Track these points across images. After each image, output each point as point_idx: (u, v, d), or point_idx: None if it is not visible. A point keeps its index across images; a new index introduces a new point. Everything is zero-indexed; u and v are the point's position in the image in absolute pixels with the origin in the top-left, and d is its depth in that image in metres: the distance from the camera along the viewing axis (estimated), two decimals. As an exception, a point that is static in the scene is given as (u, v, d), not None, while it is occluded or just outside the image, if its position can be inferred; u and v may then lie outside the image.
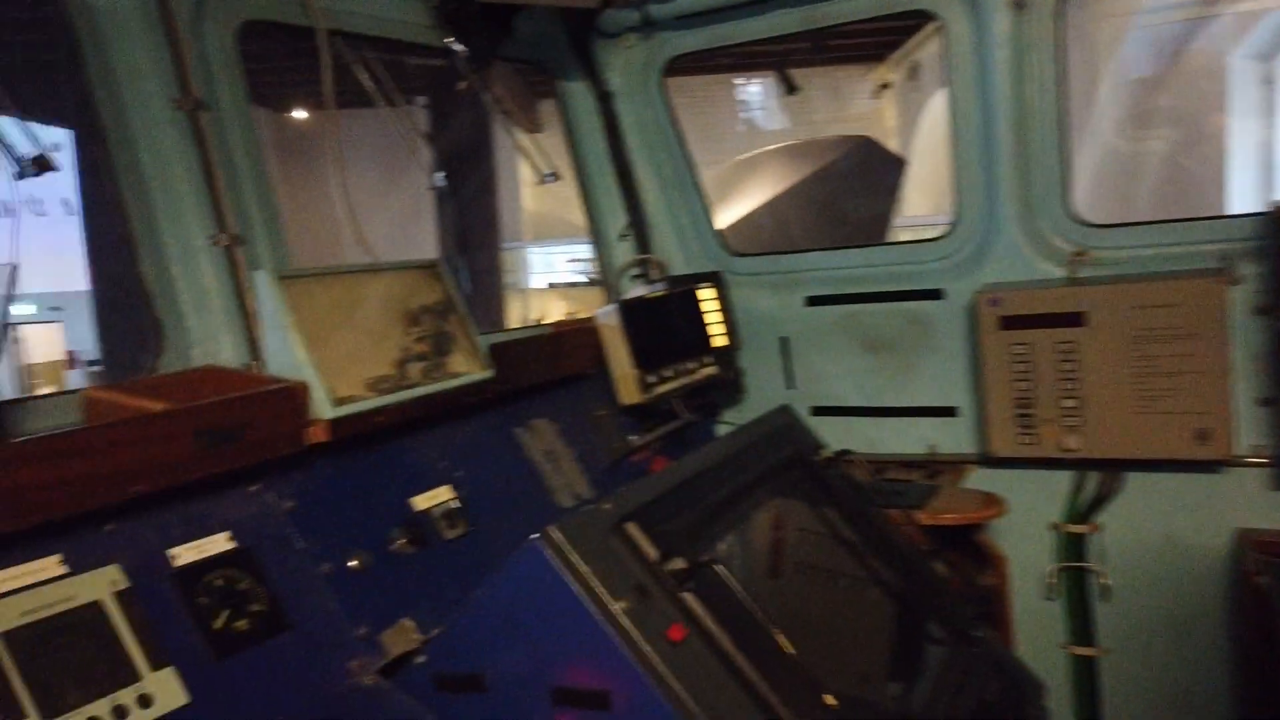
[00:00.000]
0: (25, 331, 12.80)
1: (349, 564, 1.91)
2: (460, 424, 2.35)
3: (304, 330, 1.92)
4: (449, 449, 2.29)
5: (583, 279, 15.36)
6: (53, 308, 12.99)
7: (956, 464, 2.90)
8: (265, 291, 1.91)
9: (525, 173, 4.13)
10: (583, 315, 2.93)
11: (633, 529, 1.73)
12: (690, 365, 2.94)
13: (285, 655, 1.69)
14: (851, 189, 6.70)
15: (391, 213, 11.84)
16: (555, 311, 14.69)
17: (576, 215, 3.50)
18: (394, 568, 1.98)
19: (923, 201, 10.50)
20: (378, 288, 2.17)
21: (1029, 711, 2.34)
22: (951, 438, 2.95)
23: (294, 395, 1.85)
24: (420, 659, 1.79)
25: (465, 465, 2.29)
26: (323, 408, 1.89)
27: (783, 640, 1.69)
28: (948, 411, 2.96)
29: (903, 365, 3.02)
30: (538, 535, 1.63)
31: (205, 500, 1.75)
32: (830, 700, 1.65)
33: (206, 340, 2.13)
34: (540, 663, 1.65)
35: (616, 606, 1.58)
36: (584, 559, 1.62)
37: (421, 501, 2.13)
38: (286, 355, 1.90)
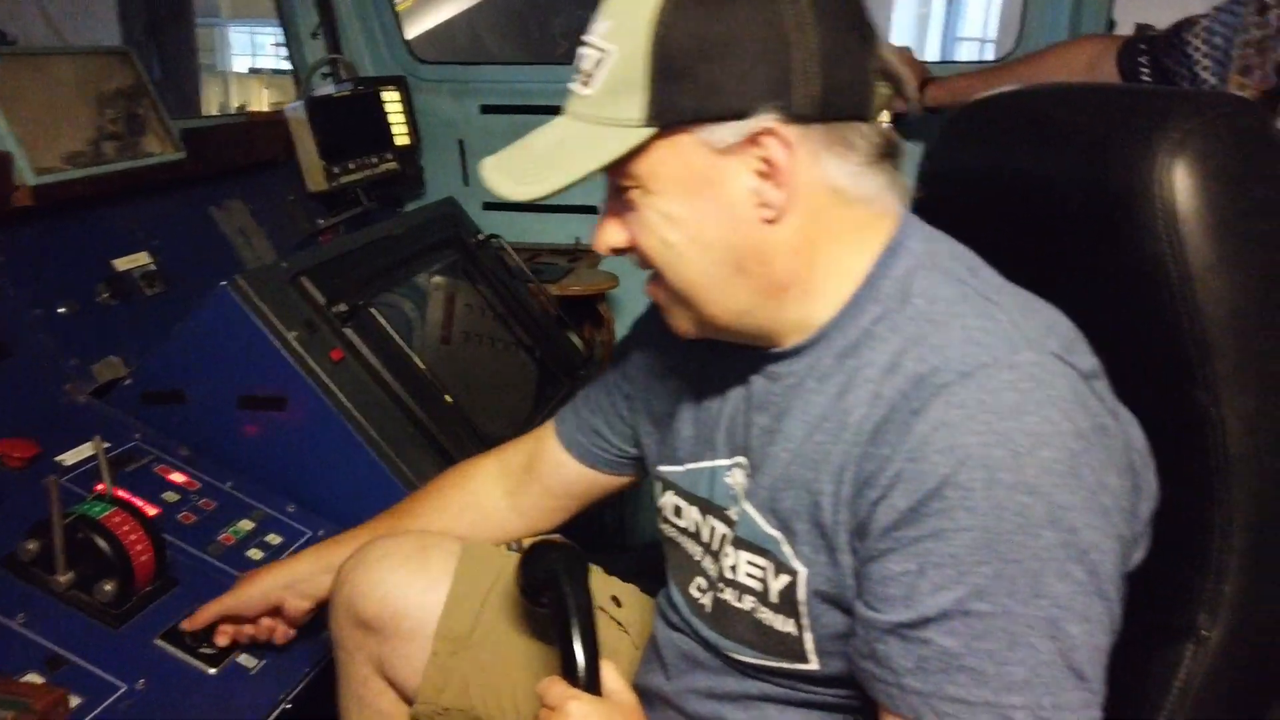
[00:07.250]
0: None
1: (58, 310, 2.27)
2: (157, 200, 2.67)
3: (3, 105, 2.17)
4: (146, 221, 2.62)
5: (287, 66, 14.45)
6: None
7: (591, 251, 3.59)
8: (-39, 67, 2.13)
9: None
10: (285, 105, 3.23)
11: (305, 281, 2.24)
12: (373, 160, 3.37)
13: (10, 376, 2.08)
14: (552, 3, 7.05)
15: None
16: (258, 100, 13.73)
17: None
18: (100, 316, 2.36)
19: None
20: (69, 69, 2.42)
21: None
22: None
23: (-1, 163, 2.13)
24: (127, 381, 2.24)
25: (162, 236, 2.64)
26: (26, 175, 2.19)
27: (417, 361, 2.31)
28: (593, 210, 3.63)
29: (558, 170, 3.62)
30: (226, 282, 2.10)
31: (-81, 250, 2.04)
32: (448, 399, 2.31)
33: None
34: (229, 379, 2.16)
35: (290, 335, 2.11)
36: (264, 301, 2.12)
37: (122, 264, 2.49)
38: (-13, 127, 2.16)
